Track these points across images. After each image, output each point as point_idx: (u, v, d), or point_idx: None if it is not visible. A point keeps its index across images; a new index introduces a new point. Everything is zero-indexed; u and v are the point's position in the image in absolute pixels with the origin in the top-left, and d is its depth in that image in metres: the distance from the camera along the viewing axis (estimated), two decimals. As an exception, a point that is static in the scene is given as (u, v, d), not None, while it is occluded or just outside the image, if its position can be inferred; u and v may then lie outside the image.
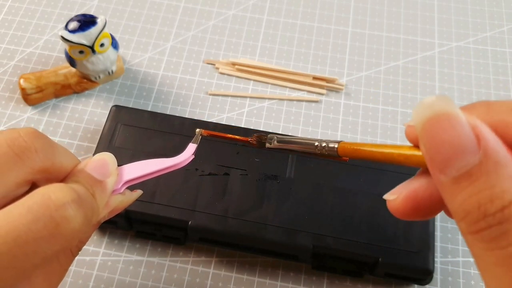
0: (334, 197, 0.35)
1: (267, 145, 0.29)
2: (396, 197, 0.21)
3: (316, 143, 0.25)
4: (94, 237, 0.37)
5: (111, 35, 0.41)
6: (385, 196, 0.23)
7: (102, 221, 0.24)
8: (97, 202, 0.22)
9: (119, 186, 0.24)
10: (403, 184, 0.22)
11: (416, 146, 0.20)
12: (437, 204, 0.20)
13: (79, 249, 0.23)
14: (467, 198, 0.16)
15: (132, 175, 0.24)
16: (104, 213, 0.23)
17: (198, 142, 0.27)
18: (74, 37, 0.39)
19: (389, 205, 0.22)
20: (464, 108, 0.19)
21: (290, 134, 0.42)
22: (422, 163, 0.19)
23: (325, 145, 0.25)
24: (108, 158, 0.23)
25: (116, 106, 0.39)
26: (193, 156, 0.26)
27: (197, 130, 0.28)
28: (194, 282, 0.36)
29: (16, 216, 0.18)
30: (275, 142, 0.28)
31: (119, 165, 0.24)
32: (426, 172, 0.20)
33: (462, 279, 0.36)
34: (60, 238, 0.19)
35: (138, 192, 0.26)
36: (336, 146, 0.24)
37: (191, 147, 0.26)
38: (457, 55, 0.48)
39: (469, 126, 0.16)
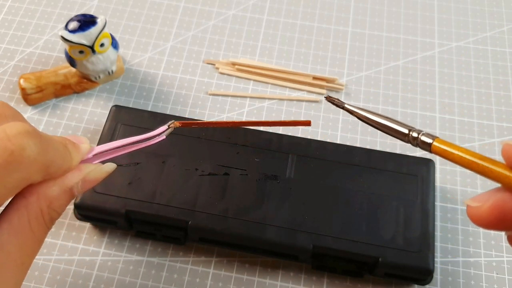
0: (334, 197, 0.35)
1: (347, 106, 0.27)
2: (481, 205, 0.21)
3: (407, 131, 0.23)
4: (94, 237, 0.37)
5: (111, 35, 0.41)
6: (468, 202, 0.21)
7: (77, 193, 0.24)
8: (70, 153, 0.23)
9: (91, 155, 0.25)
10: (488, 192, 0.21)
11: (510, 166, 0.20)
12: None
13: (53, 219, 0.23)
14: None
15: (103, 148, 0.26)
16: (76, 178, 0.24)
17: (169, 126, 0.28)
18: (74, 37, 0.39)
19: (471, 212, 0.21)
20: None
21: (290, 134, 0.42)
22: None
23: (417, 136, 0.23)
24: (80, 136, 0.26)
25: (116, 106, 0.39)
26: (164, 137, 0.27)
27: (170, 122, 0.28)
28: (194, 282, 0.36)
29: None
30: (357, 110, 0.26)
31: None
32: None
33: (462, 279, 0.36)
34: (16, 165, 0.20)
35: (110, 165, 0.26)
36: (431, 141, 0.22)
37: (162, 128, 0.27)
38: (457, 55, 0.48)
39: None
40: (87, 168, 0.25)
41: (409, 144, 0.24)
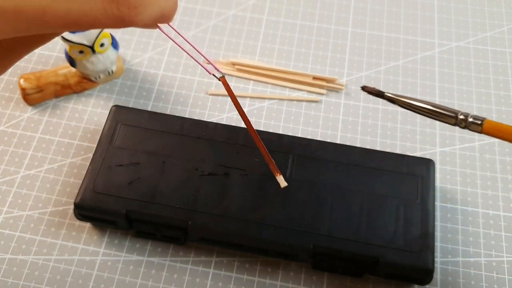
0: (334, 197, 0.35)
1: (387, 95, 0.28)
2: None
3: (460, 116, 0.26)
4: (94, 237, 0.37)
5: (111, 35, 0.41)
6: None
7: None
8: None
9: None
10: None
11: None
12: None
13: None
14: None
15: None
16: None
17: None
18: (74, 37, 0.39)
19: None
20: None
21: (290, 134, 0.42)
22: None
23: (469, 121, 0.25)
24: None
25: (116, 106, 0.39)
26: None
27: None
28: (194, 282, 0.36)
29: None
30: (400, 98, 0.27)
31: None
32: None
33: (462, 279, 0.36)
34: None
35: None
36: (481, 122, 0.25)
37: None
38: (457, 55, 0.48)
39: None
40: None
41: (457, 127, 0.26)
